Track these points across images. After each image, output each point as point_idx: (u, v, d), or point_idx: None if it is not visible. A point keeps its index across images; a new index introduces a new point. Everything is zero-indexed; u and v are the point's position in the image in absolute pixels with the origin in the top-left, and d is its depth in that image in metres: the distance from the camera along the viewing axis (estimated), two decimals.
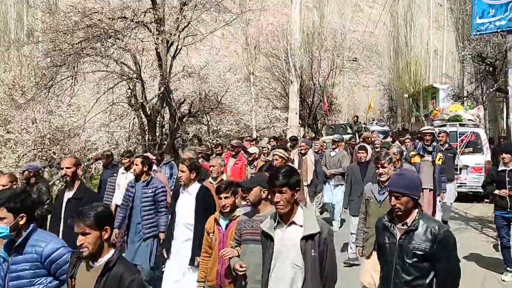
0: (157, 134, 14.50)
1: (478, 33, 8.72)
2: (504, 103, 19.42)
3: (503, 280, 6.28)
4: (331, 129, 18.96)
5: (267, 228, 3.03)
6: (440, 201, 7.73)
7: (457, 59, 26.83)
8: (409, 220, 3.09)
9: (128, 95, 14.16)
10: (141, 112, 14.07)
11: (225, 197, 4.04)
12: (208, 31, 17.35)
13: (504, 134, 16.34)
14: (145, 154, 6.78)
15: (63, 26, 11.69)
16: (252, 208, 3.76)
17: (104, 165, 8.90)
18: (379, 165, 4.87)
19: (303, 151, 9.15)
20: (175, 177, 8.61)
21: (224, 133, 19.47)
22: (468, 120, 13.30)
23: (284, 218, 2.98)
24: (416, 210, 3.11)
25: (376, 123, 39.51)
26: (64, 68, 12.47)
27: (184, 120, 16.31)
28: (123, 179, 7.21)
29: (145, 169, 5.75)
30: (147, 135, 14.34)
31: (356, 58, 35.97)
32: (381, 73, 49.22)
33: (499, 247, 6.59)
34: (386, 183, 4.68)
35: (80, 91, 16.15)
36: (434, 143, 7.60)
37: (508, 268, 6.33)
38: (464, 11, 19.22)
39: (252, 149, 9.12)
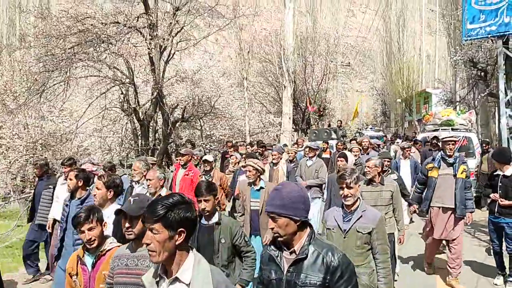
0: (150, 139, 14.44)
1: (468, 38, 8.79)
2: (496, 108, 19.58)
3: (495, 284, 6.31)
4: (314, 134, 17.80)
5: (148, 283, 2.16)
6: (467, 224, 6.49)
7: (449, 64, 27.05)
8: (297, 247, 2.44)
9: (120, 100, 14.11)
10: (134, 117, 14.02)
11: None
12: (201, 36, 17.35)
13: (487, 139, 16.44)
14: (81, 167, 5.96)
15: (56, 31, 11.61)
16: (134, 241, 2.91)
17: (38, 175, 7.74)
18: (344, 185, 3.78)
19: (274, 161, 8.44)
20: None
21: (218, 138, 19.45)
22: (460, 124, 13.39)
23: (167, 270, 2.12)
24: (306, 233, 2.46)
25: (371, 128, 39.67)
26: (56, 73, 12.40)
27: (177, 125, 16.27)
28: (62, 191, 6.36)
29: (80, 184, 4.91)
30: (140, 140, 14.28)
31: (349, 63, 36.00)
32: (374, 78, 49.55)
33: (491, 251, 6.61)
34: (353, 207, 3.79)
35: (72, 96, 16.08)
36: (456, 154, 6.35)
37: (499, 272, 6.36)
38: (456, 17, 19.40)
39: (208, 157, 8.09)
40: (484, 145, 12.73)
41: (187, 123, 17.89)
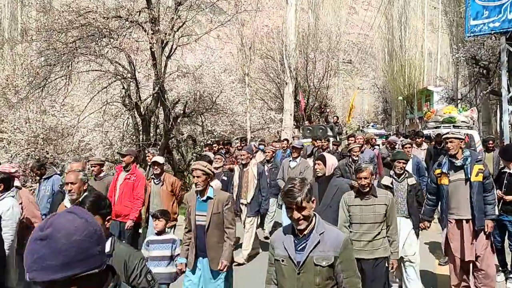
0: (151, 134, 14.43)
1: (471, 34, 8.76)
2: (498, 106, 19.55)
3: (496, 281, 6.30)
4: (308, 131, 16.47)
5: None
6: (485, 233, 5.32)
7: (451, 62, 27.01)
8: None
9: (122, 95, 14.10)
10: (135, 112, 14.01)
11: None
12: (203, 32, 17.31)
13: (493, 136, 16.35)
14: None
15: (57, 25, 11.59)
16: None
17: None
18: (293, 206, 2.71)
19: (243, 161, 7.53)
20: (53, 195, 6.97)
21: (219, 133, 19.43)
22: (462, 122, 13.36)
23: None
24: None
25: (372, 126, 39.65)
26: (58, 67, 12.39)
27: (178, 121, 16.25)
28: None
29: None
30: (141, 135, 14.28)
31: (350, 60, 36.05)
32: (375, 76, 49.48)
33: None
34: (306, 231, 2.78)
35: (74, 90, 16.07)
36: (466, 153, 5.28)
37: (500, 269, 6.36)
38: (458, 14, 19.34)
39: (158, 158, 7.09)
40: (489, 142, 11.18)
41: (189, 119, 17.87)
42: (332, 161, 5.11)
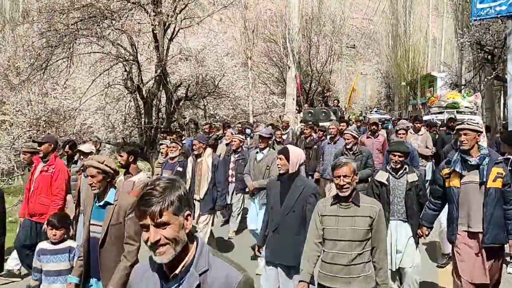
0: (153, 117, 14.40)
1: (477, 18, 8.64)
2: (502, 92, 19.41)
3: (509, 273, 6.21)
4: (309, 114, 14.91)
5: None
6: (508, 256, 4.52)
7: (455, 47, 26.78)
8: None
9: (124, 78, 14.04)
10: (137, 95, 13.95)
11: None
12: (205, 15, 17.17)
13: (501, 122, 16.28)
14: None
15: (59, 6, 11.48)
16: None
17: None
18: (146, 220, 1.62)
19: (196, 152, 6.66)
20: None
21: (221, 117, 19.40)
22: (466, 107, 13.30)
23: None
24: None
25: (376, 111, 39.48)
26: (59, 49, 12.31)
27: (180, 104, 16.22)
28: None
29: None
30: (143, 118, 14.25)
31: (354, 45, 35.74)
32: (379, 61, 49.13)
33: None
34: (178, 269, 1.69)
35: (75, 73, 16.01)
36: (484, 150, 4.23)
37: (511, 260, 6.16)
38: None
39: (84, 147, 6.41)
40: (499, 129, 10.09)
41: (191, 102, 17.84)
42: (297, 155, 4.13)
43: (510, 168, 5.67)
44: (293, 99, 20.58)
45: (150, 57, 14.73)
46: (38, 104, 15.31)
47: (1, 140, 15.37)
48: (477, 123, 4.33)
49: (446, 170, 4.34)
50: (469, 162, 4.17)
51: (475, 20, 8.99)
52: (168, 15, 12.45)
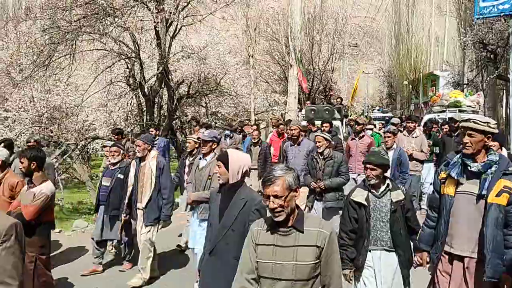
0: (155, 114, 14.43)
1: (480, 16, 8.65)
2: (504, 91, 19.38)
3: None
4: (312, 112, 14.16)
5: None
6: None
7: (458, 46, 26.73)
8: None
9: (126, 75, 14.07)
10: (139, 92, 14.00)
11: None
12: (208, 13, 17.18)
13: (504, 121, 16.28)
14: None
15: (62, 3, 11.53)
16: None
17: None
18: None
19: (139, 154, 5.93)
20: None
21: (223, 115, 19.41)
22: (468, 106, 13.29)
23: None
24: None
25: (378, 110, 39.44)
26: (62, 46, 12.36)
27: (182, 101, 16.24)
28: None
29: None
30: (145, 116, 14.28)
31: (356, 43, 35.65)
32: (381, 60, 49.08)
33: None
34: None
35: (78, 70, 16.02)
36: (493, 156, 3.38)
37: None
38: None
39: None
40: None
41: (192, 100, 17.86)
42: (239, 162, 3.36)
43: None
44: (295, 97, 20.55)
45: (152, 55, 14.75)
46: (40, 100, 15.32)
47: (3, 136, 15.39)
48: (487, 123, 3.37)
49: (443, 174, 3.59)
50: (469, 167, 3.36)
51: (478, 18, 8.99)
52: (170, 13, 12.47)
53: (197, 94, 17.03)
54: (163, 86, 14.02)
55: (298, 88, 21.26)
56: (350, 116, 26.81)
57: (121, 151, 6.51)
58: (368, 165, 3.95)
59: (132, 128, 15.78)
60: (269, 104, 23.66)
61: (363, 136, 8.17)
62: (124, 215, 6.13)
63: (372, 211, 3.93)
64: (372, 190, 3.98)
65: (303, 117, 14.31)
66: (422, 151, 8.29)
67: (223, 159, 3.41)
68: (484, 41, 15.76)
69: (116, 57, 13.32)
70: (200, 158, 5.53)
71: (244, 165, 3.42)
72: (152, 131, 9.60)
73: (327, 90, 27.71)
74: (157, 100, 14.66)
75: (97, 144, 18.17)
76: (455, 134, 8.08)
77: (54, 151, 13.94)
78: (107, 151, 7.04)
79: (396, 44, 40.64)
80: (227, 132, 10.48)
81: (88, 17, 11.80)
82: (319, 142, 6.28)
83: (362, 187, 4.07)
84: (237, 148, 9.71)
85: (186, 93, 16.59)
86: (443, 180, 3.58)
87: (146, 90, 13.73)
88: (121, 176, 6.33)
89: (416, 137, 8.42)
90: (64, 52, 12.61)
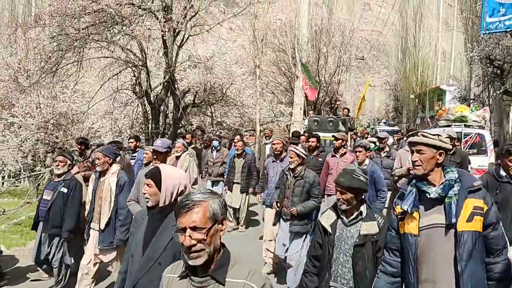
0: (161, 123, 14.50)
1: (487, 32, 8.63)
2: (511, 106, 19.30)
3: None
4: (315, 123, 13.42)
5: None
6: None
7: (464, 61, 26.72)
8: None
9: (132, 83, 14.16)
10: (145, 100, 14.07)
11: None
12: (215, 23, 17.31)
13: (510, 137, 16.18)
14: None
15: (71, 10, 11.66)
16: None
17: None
18: None
19: (99, 168, 5.24)
20: None
21: (228, 125, 19.44)
22: (474, 121, 13.23)
23: None
24: None
25: (385, 123, 39.31)
26: (69, 53, 12.48)
27: (188, 110, 16.30)
28: None
29: None
30: (151, 124, 14.34)
31: (363, 57, 35.73)
32: (387, 73, 49.10)
33: None
34: None
35: (85, 77, 16.17)
36: (451, 174, 2.74)
37: None
38: (474, 12, 19.10)
39: None
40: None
41: (198, 109, 17.92)
42: (173, 180, 2.72)
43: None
44: (301, 108, 20.54)
45: (159, 63, 14.86)
46: (47, 107, 15.44)
47: (9, 142, 15.49)
48: (437, 135, 2.75)
49: (399, 209, 2.80)
50: (427, 194, 2.67)
51: (484, 33, 8.98)
52: (178, 22, 12.59)
53: (202, 103, 17.09)
54: (169, 94, 14.10)
55: (304, 99, 21.28)
56: (357, 128, 26.80)
57: (68, 162, 5.74)
58: (337, 187, 3.30)
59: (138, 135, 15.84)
60: (274, 115, 23.68)
61: (345, 153, 7.11)
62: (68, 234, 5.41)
63: (337, 240, 3.27)
64: (342, 216, 3.31)
65: (305, 127, 13.65)
66: None
67: (154, 176, 2.75)
68: (491, 56, 15.74)
69: (123, 65, 13.42)
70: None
71: (179, 184, 2.76)
72: (132, 142, 8.88)
73: (333, 102, 27.70)
74: (162, 109, 14.73)
75: None
76: (451, 153, 7.38)
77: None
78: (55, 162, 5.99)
79: (402, 58, 40.69)
80: (215, 143, 9.73)
81: (96, 25, 11.93)
82: (291, 157, 5.57)
83: (333, 209, 3.42)
84: (223, 163, 9.30)
85: (192, 102, 16.65)
86: (401, 216, 2.79)
87: (152, 98, 13.80)
88: (65, 190, 5.57)
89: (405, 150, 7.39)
90: (72, 59, 12.73)
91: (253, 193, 8.78)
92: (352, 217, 3.28)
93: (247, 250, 6.87)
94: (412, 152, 2.77)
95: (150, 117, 14.43)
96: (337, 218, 3.33)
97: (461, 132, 12.87)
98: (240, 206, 9.07)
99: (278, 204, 5.70)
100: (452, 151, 7.13)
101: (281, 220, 5.75)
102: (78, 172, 6.00)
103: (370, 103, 53.52)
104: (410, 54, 39.19)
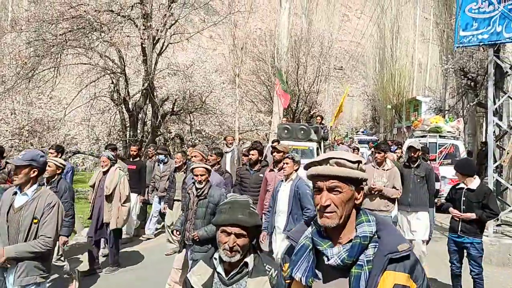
0: (139, 130, 14.36)
1: (460, 45, 8.85)
2: (484, 118, 19.79)
3: None
4: (286, 131, 12.58)
5: None
6: None
7: (440, 73, 27.34)
8: None
9: (110, 90, 14.01)
10: (123, 108, 13.93)
11: None
12: (195, 31, 17.32)
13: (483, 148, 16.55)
14: None
15: (48, 16, 11.49)
16: None
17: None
18: None
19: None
20: None
21: (207, 133, 19.40)
22: (448, 132, 13.59)
23: None
24: None
25: (363, 132, 39.78)
26: (46, 59, 12.27)
27: (166, 118, 16.21)
28: None
29: None
30: (129, 131, 14.20)
31: (341, 67, 36.19)
32: (365, 83, 49.82)
33: (450, 273, 5.89)
34: None
35: (62, 83, 15.93)
36: (368, 227, 1.67)
37: None
38: (449, 26, 19.58)
39: None
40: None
41: (177, 117, 17.84)
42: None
43: (464, 198, 5.47)
44: (280, 117, 20.68)
45: (138, 70, 14.76)
46: (22, 113, 15.15)
47: None
48: (358, 162, 1.74)
49: (286, 268, 1.81)
50: (328, 259, 1.65)
51: (458, 47, 9.20)
52: (157, 30, 12.54)
53: (181, 111, 17.03)
54: (147, 102, 14.00)
55: (283, 109, 21.41)
56: (334, 137, 27.03)
57: None
58: (232, 228, 2.21)
59: (115, 143, 15.65)
60: (253, 124, 23.75)
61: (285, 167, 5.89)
62: None
63: None
64: (219, 271, 2.26)
65: (277, 135, 12.88)
66: (394, 187, 6.42)
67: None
68: (465, 69, 16.14)
69: (101, 71, 13.28)
70: (15, 193, 3.68)
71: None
72: (51, 152, 7.59)
73: (311, 111, 27.93)
74: (141, 116, 14.61)
75: (78, 158, 17.95)
76: (415, 166, 6.79)
77: None
78: None
79: (380, 69, 41.34)
80: (161, 157, 9.17)
81: (74, 31, 11.78)
82: (197, 175, 4.85)
83: (208, 262, 2.33)
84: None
85: (171, 110, 16.57)
86: (288, 280, 1.80)
87: (130, 105, 13.68)
88: None
89: (388, 169, 6.53)
90: (49, 65, 12.52)
91: None
92: (235, 271, 2.22)
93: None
94: (319, 191, 1.70)
95: (128, 124, 14.29)
96: (213, 272, 2.27)
97: (435, 143, 13.25)
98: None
99: (177, 232, 5.02)
100: (416, 164, 6.74)
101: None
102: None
103: (348, 113, 54.18)
104: (388, 65, 39.85)
